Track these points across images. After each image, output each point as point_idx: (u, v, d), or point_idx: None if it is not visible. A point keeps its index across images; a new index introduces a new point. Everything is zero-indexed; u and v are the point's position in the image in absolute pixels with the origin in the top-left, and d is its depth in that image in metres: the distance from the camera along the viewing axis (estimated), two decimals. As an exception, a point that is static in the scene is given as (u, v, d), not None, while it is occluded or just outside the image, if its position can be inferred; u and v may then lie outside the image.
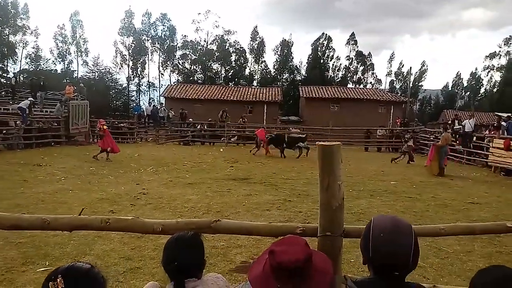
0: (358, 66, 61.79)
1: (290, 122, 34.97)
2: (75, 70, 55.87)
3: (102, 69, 55.25)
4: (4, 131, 16.09)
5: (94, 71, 55.02)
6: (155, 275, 3.94)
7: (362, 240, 1.38)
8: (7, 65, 50.48)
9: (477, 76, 62.09)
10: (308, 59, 60.08)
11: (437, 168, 12.44)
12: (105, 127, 13.71)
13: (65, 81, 40.47)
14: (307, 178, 10.55)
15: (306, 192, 8.53)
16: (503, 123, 17.07)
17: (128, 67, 57.33)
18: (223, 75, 58.72)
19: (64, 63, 55.51)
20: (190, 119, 24.43)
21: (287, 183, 9.76)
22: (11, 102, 21.27)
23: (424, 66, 63.22)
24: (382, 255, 1.28)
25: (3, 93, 26.21)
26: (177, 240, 1.63)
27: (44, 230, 2.42)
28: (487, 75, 61.62)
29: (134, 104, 49.89)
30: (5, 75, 47.50)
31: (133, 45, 56.71)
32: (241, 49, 59.70)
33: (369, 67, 62.02)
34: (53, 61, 54.91)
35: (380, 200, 8.16)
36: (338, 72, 61.74)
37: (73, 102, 19.43)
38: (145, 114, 24.50)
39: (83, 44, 56.15)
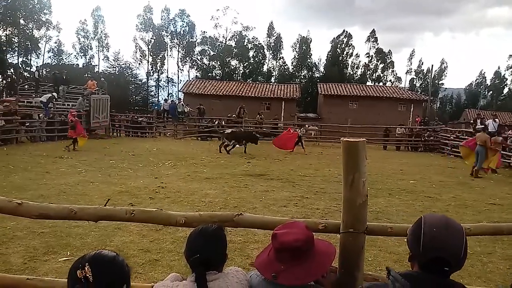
0: (378, 64, 61.01)
1: (307, 119, 34.82)
2: (96, 65, 56.90)
3: (122, 64, 56.17)
4: (27, 124, 16.50)
5: (114, 66, 55.96)
6: (173, 267, 3.99)
7: (411, 236, 1.40)
8: (30, 59, 51.77)
9: (501, 75, 60.53)
10: (327, 56, 59.67)
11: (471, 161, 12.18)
12: (76, 118, 14.22)
13: (86, 75, 41.30)
14: (325, 175, 10.50)
15: (323, 189, 8.49)
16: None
17: (148, 62, 58.02)
18: (241, 71, 58.84)
19: (85, 58, 56.61)
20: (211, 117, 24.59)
21: (304, 180, 9.73)
22: (34, 96, 21.77)
23: (444, 64, 62.03)
24: (435, 249, 1.29)
25: (26, 86, 26.84)
26: (200, 232, 1.65)
27: (70, 220, 2.47)
28: (511, 75, 60.03)
29: (155, 101, 50.59)
30: (29, 69, 48.66)
31: (152, 40, 57.29)
32: (259, 45, 59.66)
33: (389, 65, 61.20)
34: (75, 56, 56.04)
35: (398, 199, 8.06)
36: (357, 70, 61.14)
37: (94, 96, 19.78)
38: (162, 109, 24.73)
39: (104, 39, 57.08)
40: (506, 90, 60.82)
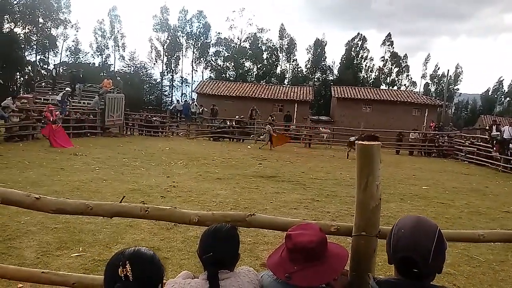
0: (393, 68, 60.53)
1: (320, 121, 34.70)
2: (112, 64, 57.66)
3: (138, 64, 56.84)
4: (43, 121, 16.78)
5: (130, 65, 56.63)
6: (183, 266, 4.02)
7: (387, 238, 1.39)
8: (48, 57, 52.69)
9: (519, 81, 59.49)
10: (341, 59, 59.44)
11: None
12: (52, 114, 14.39)
13: (102, 74, 41.81)
14: (336, 178, 10.45)
15: (334, 193, 8.45)
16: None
17: (162, 62, 58.52)
18: (254, 73, 58.98)
19: (102, 57, 57.40)
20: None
21: (315, 183, 9.70)
22: (50, 93, 22.14)
23: (459, 69, 61.24)
24: (400, 248, 1.29)
25: (43, 84, 27.32)
26: (214, 232, 1.66)
27: (86, 216, 2.51)
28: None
29: (169, 101, 51.01)
30: (46, 66, 49.54)
31: (168, 41, 57.77)
32: (273, 47, 59.71)
33: (404, 69, 60.65)
34: (92, 55, 56.87)
35: (410, 204, 7.98)
36: (371, 73, 60.75)
37: (109, 95, 20.03)
38: (174, 109, 24.84)
39: (121, 39, 57.86)
40: (523, 97, 59.83)
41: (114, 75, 42.58)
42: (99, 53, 57.04)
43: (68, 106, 17.80)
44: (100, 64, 56.56)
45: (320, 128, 26.20)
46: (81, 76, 22.91)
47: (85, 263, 3.96)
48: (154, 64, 58.78)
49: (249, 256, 4.50)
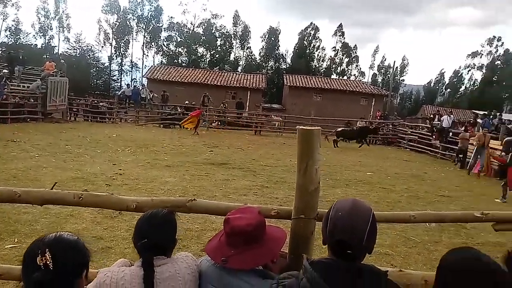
0: (343, 58, 62.12)
1: (272, 109, 35.00)
2: (56, 46, 54.58)
3: (84, 47, 54.16)
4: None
5: (75, 48, 53.86)
6: (127, 255, 3.91)
7: (324, 220, 1.41)
8: (-16, 37, 48.69)
9: (459, 74, 63.30)
10: (294, 48, 60.04)
11: None
12: None
13: (45, 56, 39.41)
14: (286, 165, 10.62)
15: (283, 179, 8.59)
16: (479, 120, 17.56)
17: (111, 46, 56.15)
18: (208, 59, 58.21)
19: (45, 38, 54.13)
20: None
21: (265, 170, 9.80)
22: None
23: (405, 60, 64.09)
24: (337, 231, 1.31)
25: (-23, 66, 25.24)
26: (150, 217, 1.61)
27: (15, 203, 2.36)
28: (467, 74, 62.95)
29: (118, 86, 49.20)
30: (-19, 47, 45.81)
31: (117, 23, 55.44)
32: (227, 34, 59.14)
33: (353, 59, 62.49)
34: (34, 36, 53.39)
35: (355, 189, 8.29)
36: (323, 63, 62.00)
37: (52, 79, 18.88)
38: (123, 94, 23.88)
39: (66, 20, 54.77)
40: (462, 88, 63.76)
41: (58, 57, 40.05)
42: (42, 34, 53.65)
43: (5, 90, 16.59)
44: (43, 45, 53.23)
45: (272, 116, 26.43)
46: (20, 57, 21.34)
47: (20, 255, 3.70)
48: (102, 47, 56.33)
49: (196, 243, 4.47)
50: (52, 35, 54.59)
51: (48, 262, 1.11)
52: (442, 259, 1.26)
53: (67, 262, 1.15)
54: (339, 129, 18.82)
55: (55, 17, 54.01)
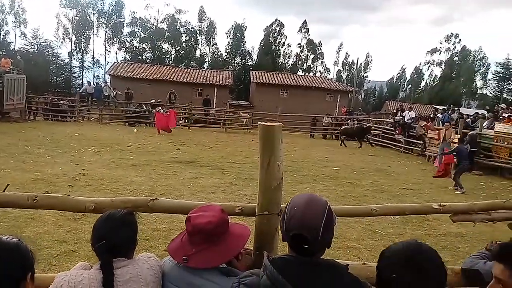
0: (309, 54, 62.82)
1: (240, 106, 34.94)
2: (12, 42, 52.09)
3: (42, 42, 51.97)
4: None
5: (33, 44, 51.59)
6: (91, 258, 3.77)
7: (281, 217, 1.42)
8: None
9: (419, 70, 65.56)
10: (260, 44, 60.11)
11: None
12: None
13: (0, 53, 37.43)
14: (254, 162, 10.62)
15: (252, 176, 8.60)
16: (439, 115, 18.28)
17: (71, 41, 54.22)
18: (173, 56, 57.35)
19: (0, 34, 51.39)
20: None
21: (234, 167, 9.78)
22: None
23: (369, 57, 65.68)
24: (293, 227, 1.31)
25: None
26: (107, 218, 1.56)
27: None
28: (427, 70, 65.30)
29: (79, 83, 47.66)
30: None
31: (77, 18, 53.57)
32: (192, 30, 58.45)
33: (318, 56, 63.31)
34: (-13, 31, 50.64)
35: (322, 185, 8.42)
36: (289, 59, 62.45)
37: (8, 76, 17.99)
38: (85, 92, 23.08)
39: (22, 14, 52.36)
40: (423, 84, 66.12)
41: (15, 54, 38.25)
42: (-4, 29, 51.03)
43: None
44: (-2, 41, 50.69)
45: (240, 113, 26.40)
46: (-28, 54, 20.26)
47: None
48: (62, 43, 54.31)
49: (164, 243, 4.40)
50: (8, 31, 52.16)
51: None
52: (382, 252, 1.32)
53: (7, 266, 1.10)
54: (343, 128, 19.99)
55: (10, 11, 51.55)
